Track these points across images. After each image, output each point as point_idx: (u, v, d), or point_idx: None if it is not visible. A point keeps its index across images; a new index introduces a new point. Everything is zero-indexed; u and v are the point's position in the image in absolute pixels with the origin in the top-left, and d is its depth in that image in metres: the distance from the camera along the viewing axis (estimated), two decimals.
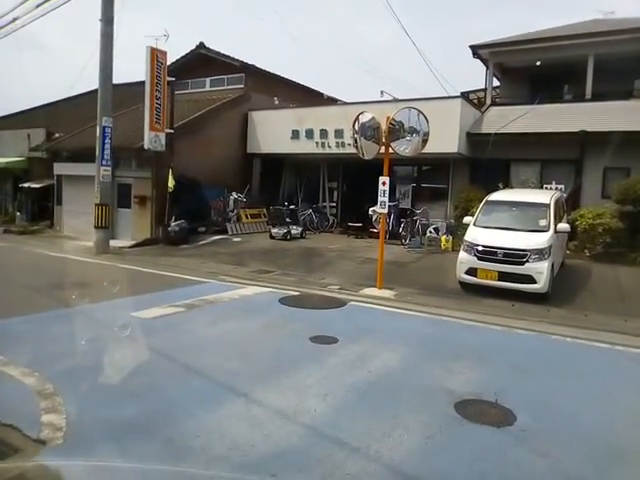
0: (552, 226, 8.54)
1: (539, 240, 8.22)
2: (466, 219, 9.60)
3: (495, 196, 9.92)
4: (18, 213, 18.82)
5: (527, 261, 8.01)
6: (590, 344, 6.05)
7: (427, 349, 5.67)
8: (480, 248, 8.42)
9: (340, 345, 5.55)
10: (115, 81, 13.10)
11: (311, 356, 5.16)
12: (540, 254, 8.03)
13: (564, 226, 9.01)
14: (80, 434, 3.39)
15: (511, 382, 4.67)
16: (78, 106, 19.42)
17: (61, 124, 18.88)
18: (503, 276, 8.13)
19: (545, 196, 9.52)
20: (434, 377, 4.68)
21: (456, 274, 8.77)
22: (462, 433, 3.62)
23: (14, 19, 13.91)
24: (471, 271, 8.49)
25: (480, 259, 8.39)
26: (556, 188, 12.88)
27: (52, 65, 64.88)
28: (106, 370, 4.59)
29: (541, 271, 7.95)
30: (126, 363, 4.76)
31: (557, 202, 9.39)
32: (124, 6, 28.10)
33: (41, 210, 18.79)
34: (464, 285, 8.73)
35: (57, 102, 21.47)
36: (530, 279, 7.97)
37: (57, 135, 18.68)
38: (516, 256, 8.07)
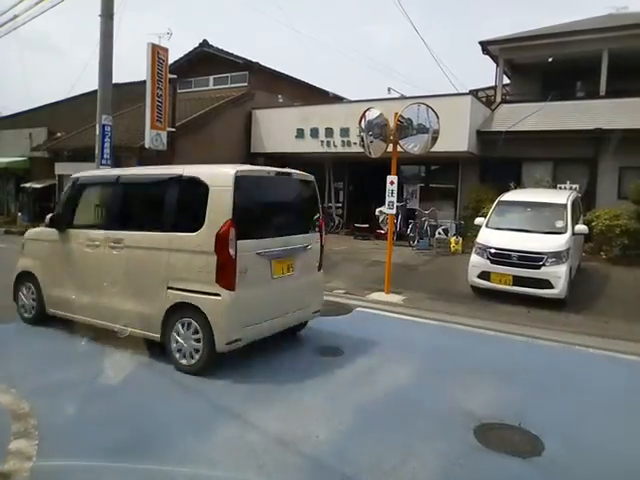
0: (570, 227, 8.10)
1: (556, 242, 7.79)
2: (477, 220, 9.16)
3: (508, 196, 9.48)
4: (20, 214, 18.57)
5: (544, 264, 7.58)
6: (614, 355, 5.62)
7: (440, 363, 5.26)
8: (493, 251, 8.01)
9: (346, 358, 5.16)
10: (116, 81, 12.78)
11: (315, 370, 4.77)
12: (557, 257, 7.60)
13: (582, 227, 8.53)
14: (51, 466, 2.99)
15: (535, 402, 4.23)
16: (80, 105, 19.12)
17: (63, 123, 18.65)
18: (518, 280, 7.71)
19: (561, 196, 9.06)
20: (449, 397, 4.27)
21: (467, 278, 8.36)
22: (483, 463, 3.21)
23: (15, 16, 13.67)
24: (484, 275, 8.07)
25: (493, 262, 7.98)
26: (571, 188, 12.40)
27: (54, 65, 65.05)
28: (90, 385, 4.20)
29: (559, 275, 7.51)
30: (112, 377, 4.38)
31: (574, 202, 8.92)
32: (125, 3, 27.82)
33: (43, 210, 18.48)
34: (476, 289, 8.31)
35: (59, 102, 21.23)
36: (547, 284, 7.54)
37: (59, 134, 18.44)
38: (532, 259, 7.65)
